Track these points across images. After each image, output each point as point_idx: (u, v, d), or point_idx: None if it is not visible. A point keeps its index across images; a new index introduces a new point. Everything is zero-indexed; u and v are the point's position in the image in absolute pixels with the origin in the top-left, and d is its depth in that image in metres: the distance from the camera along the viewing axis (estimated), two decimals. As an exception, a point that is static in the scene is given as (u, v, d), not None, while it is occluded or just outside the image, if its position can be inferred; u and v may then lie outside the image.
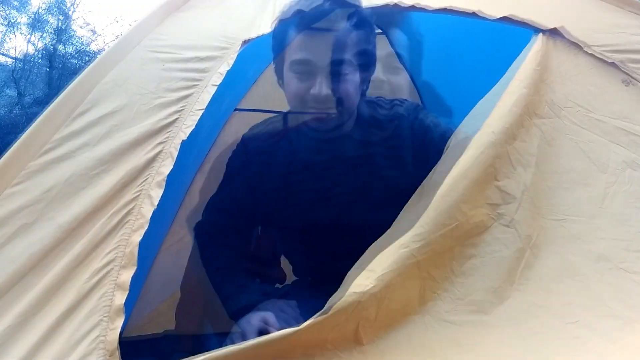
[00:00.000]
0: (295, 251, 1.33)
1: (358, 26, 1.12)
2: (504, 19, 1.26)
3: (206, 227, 1.32)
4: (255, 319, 1.10)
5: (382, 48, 1.66)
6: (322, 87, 1.09)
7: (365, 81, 1.20)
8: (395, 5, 1.16)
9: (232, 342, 1.03)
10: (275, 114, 1.30)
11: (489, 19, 1.26)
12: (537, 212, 1.06)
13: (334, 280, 0.94)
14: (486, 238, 1.01)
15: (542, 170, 1.10)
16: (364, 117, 1.23)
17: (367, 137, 1.21)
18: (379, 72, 1.34)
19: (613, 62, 1.22)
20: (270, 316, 1.10)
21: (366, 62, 1.17)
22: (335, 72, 1.11)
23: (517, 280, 0.98)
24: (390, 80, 1.47)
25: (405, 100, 1.27)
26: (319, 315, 0.85)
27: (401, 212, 1.03)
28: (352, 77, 1.14)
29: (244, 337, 1.07)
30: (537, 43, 1.23)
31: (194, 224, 1.46)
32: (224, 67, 1.13)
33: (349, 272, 0.93)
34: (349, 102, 1.14)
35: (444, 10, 1.25)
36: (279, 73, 1.22)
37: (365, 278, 0.89)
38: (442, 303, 0.95)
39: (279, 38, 1.17)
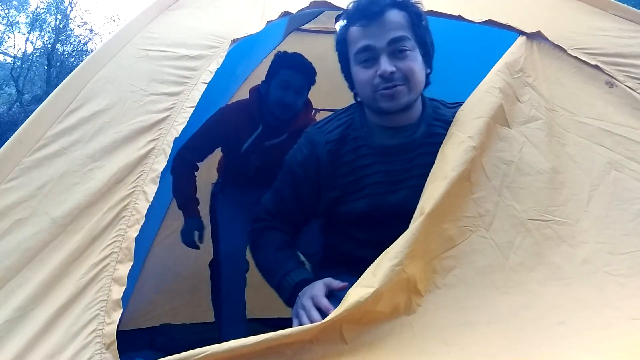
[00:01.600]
0: (346, 239, 1.34)
1: (404, 7, 1.18)
2: (488, 22, 1.28)
3: (263, 215, 1.38)
4: (319, 285, 1.13)
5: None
6: (386, 65, 1.14)
7: (427, 64, 1.23)
8: None
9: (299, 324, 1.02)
10: (340, 110, 1.35)
11: (473, 22, 1.28)
12: (520, 216, 1.07)
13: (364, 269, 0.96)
14: (465, 249, 1.02)
15: (526, 172, 1.11)
16: (429, 112, 1.27)
17: (432, 129, 1.25)
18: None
19: (596, 65, 1.24)
20: (330, 281, 1.14)
21: (423, 41, 1.21)
22: (396, 49, 1.15)
23: (502, 285, 0.99)
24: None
25: None
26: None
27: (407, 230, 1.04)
28: (414, 54, 1.18)
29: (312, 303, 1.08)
30: (519, 47, 1.25)
31: None
32: (214, 65, 1.15)
33: (350, 290, 0.95)
34: (415, 78, 1.17)
35: (429, 13, 1.27)
36: (348, 79, 1.26)
37: (361, 295, 0.91)
38: (428, 312, 0.96)
39: (340, 41, 1.23)
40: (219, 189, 2.19)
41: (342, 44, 1.23)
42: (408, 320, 0.95)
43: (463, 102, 1.29)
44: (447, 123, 1.24)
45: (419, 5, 1.20)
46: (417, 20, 1.19)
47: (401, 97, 1.17)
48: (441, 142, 1.22)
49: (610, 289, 0.99)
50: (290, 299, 1.18)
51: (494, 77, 1.19)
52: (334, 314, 0.89)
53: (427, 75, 1.24)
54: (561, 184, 1.12)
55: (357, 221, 1.27)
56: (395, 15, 1.16)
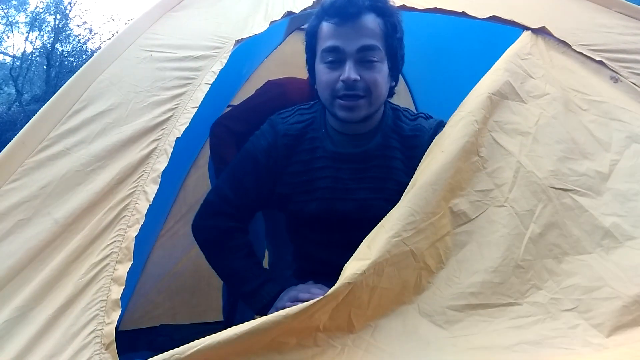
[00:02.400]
0: (304, 240, 1.34)
1: (381, 14, 1.14)
2: (492, 18, 1.29)
3: (225, 206, 1.29)
4: (291, 294, 1.14)
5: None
6: (351, 72, 1.11)
7: (393, 77, 1.21)
8: None
9: None
10: (304, 105, 1.33)
11: (477, 19, 1.29)
12: (541, 183, 1.04)
13: (337, 273, 0.95)
14: (480, 223, 1.00)
15: (544, 142, 1.09)
16: (387, 122, 1.25)
17: (387, 141, 1.23)
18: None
19: (601, 61, 1.24)
20: (303, 289, 1.15)
21: (394, 53, 1.18)
22: (364, 58, 1.12)
23: (520, 257, 0.97)
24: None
25: (431, 116, 1.30)
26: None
27: (398, 203, 1.03)
28: (381, 66, 1.15)
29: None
30: (525, 39, 1.25)
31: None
32: (217, 66, 1.15)
33: (346, 265, 0.94)
34: (377, 91, 1.15)
35: (433, 10, 1.28)
36: (311, 72, 1.24)
37: (358, 267, 0.90)
38: (438, 291, 0.95)
39: (311, 33, 1.20)
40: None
41: (312, 36, 1.20)
42: (416, 302, 0.94)
43: (429, 114, 1.30)
44: (402, 137, 1.23)
45: (397, 15, 1.17)
46: (392, 31, 1.16)
47: (360, 110, 1.15)
48: (395, 156, 1.22)
49: (632, 264, 0.96)
50: (264, 309, 1.17)
51: (500, 61, 1.20)
52: (333, 289, 0.88)
53: (392, 88, 1.22)
54: (581, 155, 1.10)
55: (308, 222, 1.27)
56: (370, 21, 1.13)
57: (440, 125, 1.23)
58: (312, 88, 1.25)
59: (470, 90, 1.19)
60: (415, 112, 1.31)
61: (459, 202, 1.02)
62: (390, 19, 1.16)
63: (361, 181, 1.22)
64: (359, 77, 1.11)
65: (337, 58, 1.13)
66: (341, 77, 1.12)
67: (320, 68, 1.17)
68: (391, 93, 1.23)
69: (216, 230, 1.27)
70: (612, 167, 1.09)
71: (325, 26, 1.15)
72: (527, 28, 1.28)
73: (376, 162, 1.23)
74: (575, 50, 1.26)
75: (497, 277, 0.95)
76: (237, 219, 1.28)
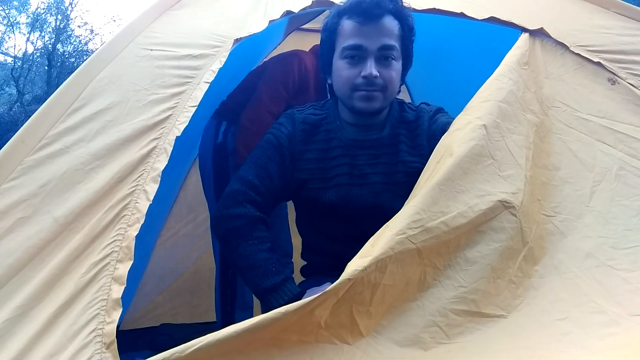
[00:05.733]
0: (317, 232, 1.37)
1: (400, 18, 1.23)
2: (490, 19, 1.30)
3: (251, 193, 1.27)
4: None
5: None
6: (372, 68, 1.19)
7: (402, 77, 1.30)
8: None
9: None
10: (318, 103, 1.40)
11: (476, 20, 1.30)
12: (535, 206, 1.07)
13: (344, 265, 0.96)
14: (494, 225, 1.01)
15: (536, 164, 1.11)
16: (394, 114, 1.33)
17: (395, 130, 1.31)
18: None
19: (599, 62, 1.25)
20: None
21: (407, 54, 1.27)
22: (384, 56, 1.21)
23: (514, 272, 0.99)
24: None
25: (431, 104, 1.38)
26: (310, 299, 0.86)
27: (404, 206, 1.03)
28: (396, 65, 1.24)
29: None
30: (523, 42, 1.26)
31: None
32: (216, 65, 1.15)
33: (349, 263, 0.94)
34: (392, 87, 1.24)
35: (432, 11, 1.30)
36: (326, 67, 1.31)
37: (359, 264, 0.91)
38: (444, 290, 0.96)
39: (330, 30, 1.26)
40: (230, 153, 1.88)
41: (331, 32, 1.26)
42: (420, 299, 0.95)
43: (426, 103, 1.38)
44: (407, 124, 1.32)
45: (412, 18, 1.25)
46: (408, 33, 1.25)
47: (376, 102, 1.23)
48: (401, 141, 1.30)
49: (613, 284, 0.99)
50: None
51: (503, 67, 1.21)
52: (333, 286, 0.88)
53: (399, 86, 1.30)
54: (562, 180, 1.12)
55: (323, 211, 1.31)
56: (390, 22, 1.21)
57: (440, 111, 1.34)
58: (324, 81, 1.32)
59: (469, 91, 1.20)
60: (416, 104, 1.39)
61: (478, 204, 1.01)
62: (407, 22, 1.24)
63: (375, 166, 1.29)
64: (378, 74, 1.19)
65: (358, 55, 1.21)
66: (362, 73, 1.20)
67: (341, 64, 1.24)
68: (399, 91, 1.32)
69: (244, 219, 1.24)
70: (594, 188, 1.11)
71: (348, 24, 1.22)
72: (525, 30, 1.28)
73: (386, 150, 1.30)
74: (573, 52, 1.26)
75: (495, 288, 0.98)
76: (263, 209, 1.27)
